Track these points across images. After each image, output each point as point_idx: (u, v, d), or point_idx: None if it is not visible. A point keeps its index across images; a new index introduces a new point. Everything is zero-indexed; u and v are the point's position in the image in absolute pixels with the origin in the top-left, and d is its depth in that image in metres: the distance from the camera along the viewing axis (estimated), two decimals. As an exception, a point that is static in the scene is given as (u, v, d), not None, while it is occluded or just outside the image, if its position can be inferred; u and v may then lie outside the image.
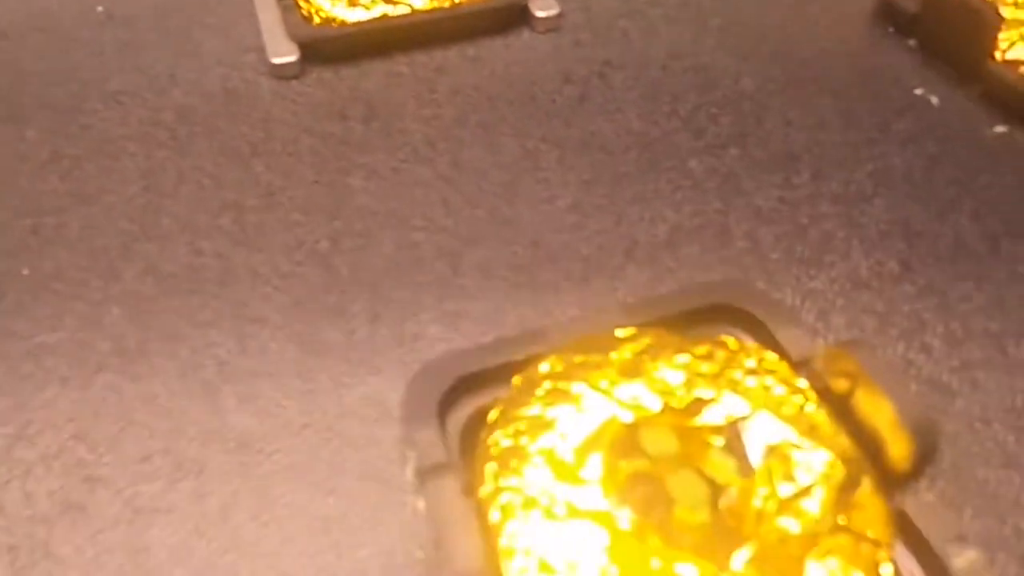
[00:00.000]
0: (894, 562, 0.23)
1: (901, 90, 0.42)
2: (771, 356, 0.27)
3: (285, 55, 0.43)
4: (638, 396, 0.26)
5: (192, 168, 0.38)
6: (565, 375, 0.27)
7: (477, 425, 0.26)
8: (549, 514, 0.23)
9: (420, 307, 0.32)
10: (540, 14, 0.46)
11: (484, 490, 0.24)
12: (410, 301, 0.33)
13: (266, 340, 0.31)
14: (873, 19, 0.46)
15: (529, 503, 0.23)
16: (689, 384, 0.26)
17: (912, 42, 0.45)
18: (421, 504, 0.26)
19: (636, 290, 0.32)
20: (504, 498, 0.24)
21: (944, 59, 0.43)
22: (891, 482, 0.24)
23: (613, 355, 0.27)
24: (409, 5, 0.44)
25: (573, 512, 0.23)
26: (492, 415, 0.26)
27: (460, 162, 0.38)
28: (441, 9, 0.44)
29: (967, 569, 0.22)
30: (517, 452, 0.25)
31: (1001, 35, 0.41)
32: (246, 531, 0.26)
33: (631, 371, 0.27)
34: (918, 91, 0.42)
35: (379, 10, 0.44)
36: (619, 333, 0.28)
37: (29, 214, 0.36)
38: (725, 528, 0.23)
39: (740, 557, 0.22)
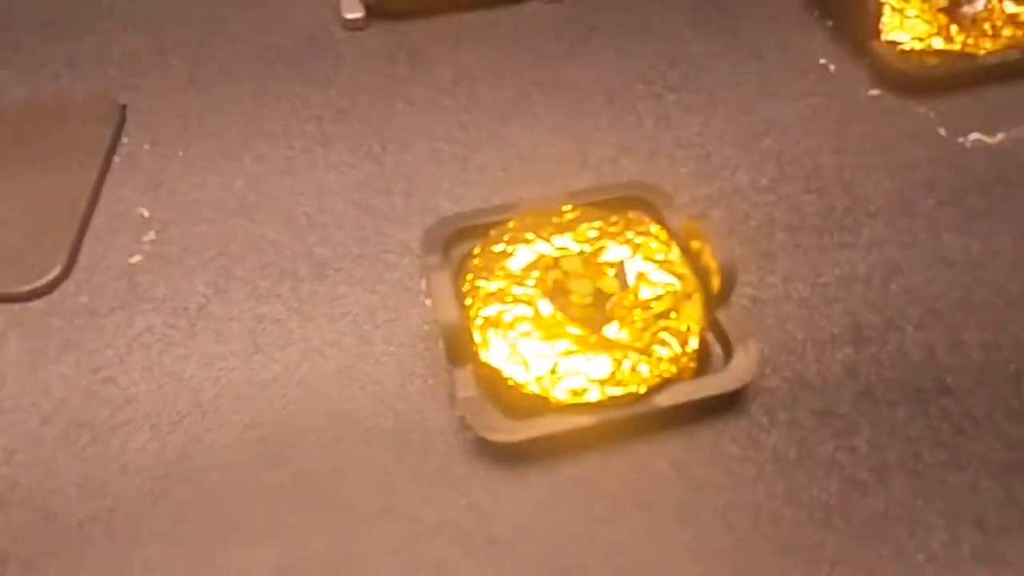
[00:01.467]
0: (701, 340, 0.39)
1: (809, 59, 0.56)
2: (655, 227, 0.43)
3: (354, 12, 0.59)
4: (567, 245, 0.42)
5: (286, 92, 0.55)
6: (523, 228, 0.43)
7: (468, 257, 0.43)
8: (501, 299, 0.39)
9: (439, 190, 0.49)
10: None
11: (464, 287, 0.40)
12: (433, 187, 0.49)
13: (336, 203, 0.48)
14: (806, 4, 0.60)
15: (489, 294, 0.40)
16: (600, 239, 0.42)
17: (829, 23, 0.59)
18: (429, 302, 0.43)
19: (584, 184, 0.48)
20: (476, 290, 0.40)
21: (846, 36, 0.58)
22: (711, 302, 0.40)
23: (555, 219, 0.43)
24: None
25: (515, 300, 0.39)
26: (475, 249, 0.42)
27: (475, 95, 0.54)
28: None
29: (754, 356, 0.38)
30: (487, 268, 0.41)
31: (884, 19, 0.55)
32: (318, 337, 0.43)
33: (565, 229, 0.43)
34: (822, 60, 0.56)
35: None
36: (563, 208, 0.44)
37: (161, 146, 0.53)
38: (604, 314, 0.39)
39: (610, 328, 0.38)
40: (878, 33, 0.55)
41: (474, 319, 0.39)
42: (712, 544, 0.34)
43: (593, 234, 0.42)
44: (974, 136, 0.50)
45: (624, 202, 0.45)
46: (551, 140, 0.51)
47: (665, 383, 0.37)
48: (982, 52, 0.54)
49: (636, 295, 0.40)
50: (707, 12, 0.60)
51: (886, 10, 0.55)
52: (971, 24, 0.55)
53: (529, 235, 0.42)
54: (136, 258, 0.46)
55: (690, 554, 0.34)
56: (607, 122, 0.52)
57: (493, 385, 0.37)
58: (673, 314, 0.39)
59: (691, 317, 0.39)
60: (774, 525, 0.35)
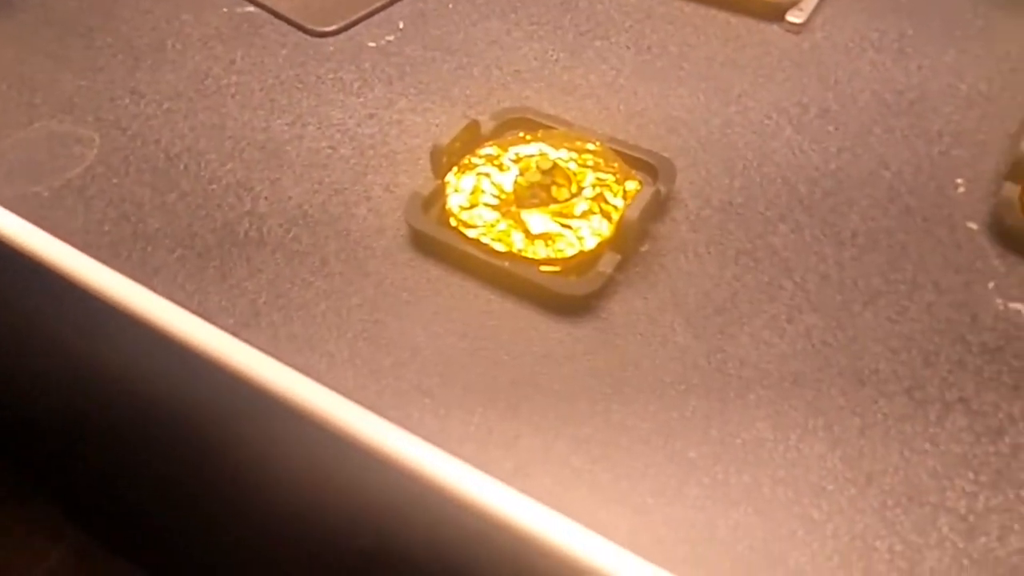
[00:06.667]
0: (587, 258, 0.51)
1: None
2: (631, 185, 0.54)
3: None
4: (565, 159, 0.56)
5: None
6: (553, 137, 0.57)
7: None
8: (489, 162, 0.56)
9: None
10: (791, 18, 0.71)
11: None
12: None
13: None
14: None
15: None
16: (585, 166, 0.55)
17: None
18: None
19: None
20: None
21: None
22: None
23: (579, 143, 0.57)
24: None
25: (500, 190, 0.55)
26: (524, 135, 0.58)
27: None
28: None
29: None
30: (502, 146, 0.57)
31: None
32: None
33: (575, 149, 0.56)
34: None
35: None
36: (592, 140, 0.57)
37: None
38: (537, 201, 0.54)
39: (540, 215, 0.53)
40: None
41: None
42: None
43: (590, 163, 0.55)
44: None
45: (637, 161, 0.57)
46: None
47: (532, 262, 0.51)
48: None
49: (571, 210, 0.53)
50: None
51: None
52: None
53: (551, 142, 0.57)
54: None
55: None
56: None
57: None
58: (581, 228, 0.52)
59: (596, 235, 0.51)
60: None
